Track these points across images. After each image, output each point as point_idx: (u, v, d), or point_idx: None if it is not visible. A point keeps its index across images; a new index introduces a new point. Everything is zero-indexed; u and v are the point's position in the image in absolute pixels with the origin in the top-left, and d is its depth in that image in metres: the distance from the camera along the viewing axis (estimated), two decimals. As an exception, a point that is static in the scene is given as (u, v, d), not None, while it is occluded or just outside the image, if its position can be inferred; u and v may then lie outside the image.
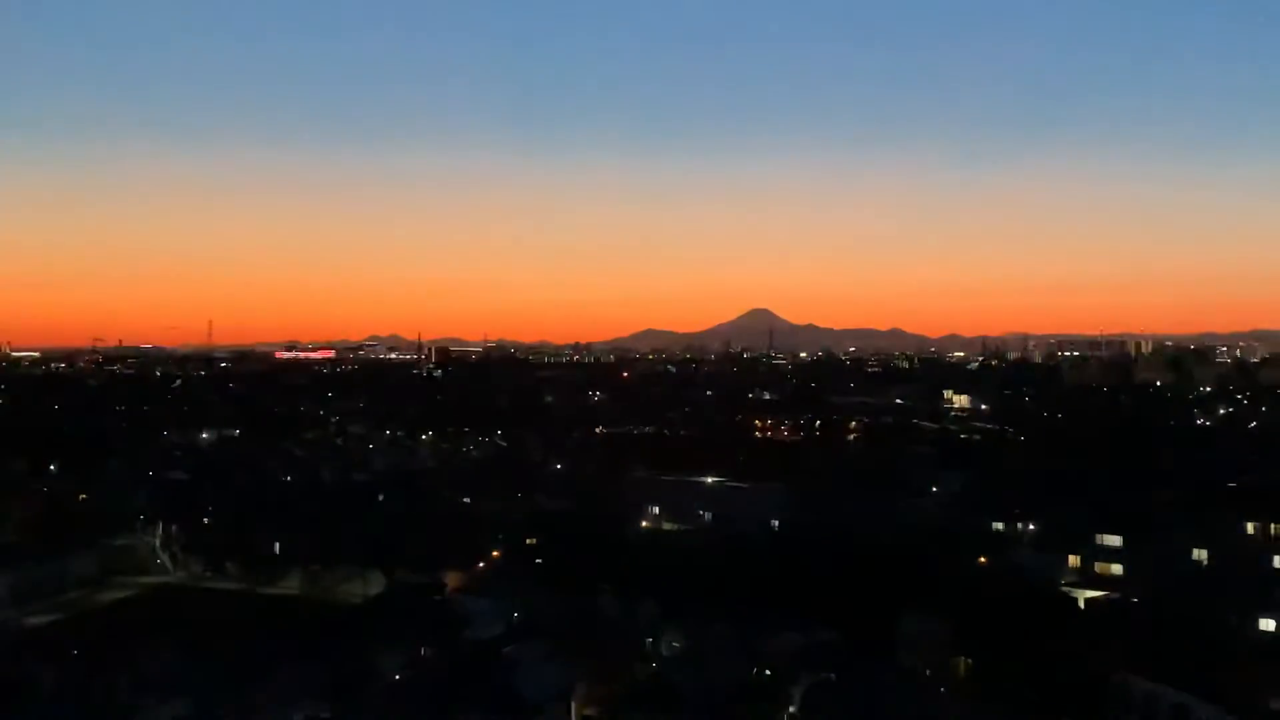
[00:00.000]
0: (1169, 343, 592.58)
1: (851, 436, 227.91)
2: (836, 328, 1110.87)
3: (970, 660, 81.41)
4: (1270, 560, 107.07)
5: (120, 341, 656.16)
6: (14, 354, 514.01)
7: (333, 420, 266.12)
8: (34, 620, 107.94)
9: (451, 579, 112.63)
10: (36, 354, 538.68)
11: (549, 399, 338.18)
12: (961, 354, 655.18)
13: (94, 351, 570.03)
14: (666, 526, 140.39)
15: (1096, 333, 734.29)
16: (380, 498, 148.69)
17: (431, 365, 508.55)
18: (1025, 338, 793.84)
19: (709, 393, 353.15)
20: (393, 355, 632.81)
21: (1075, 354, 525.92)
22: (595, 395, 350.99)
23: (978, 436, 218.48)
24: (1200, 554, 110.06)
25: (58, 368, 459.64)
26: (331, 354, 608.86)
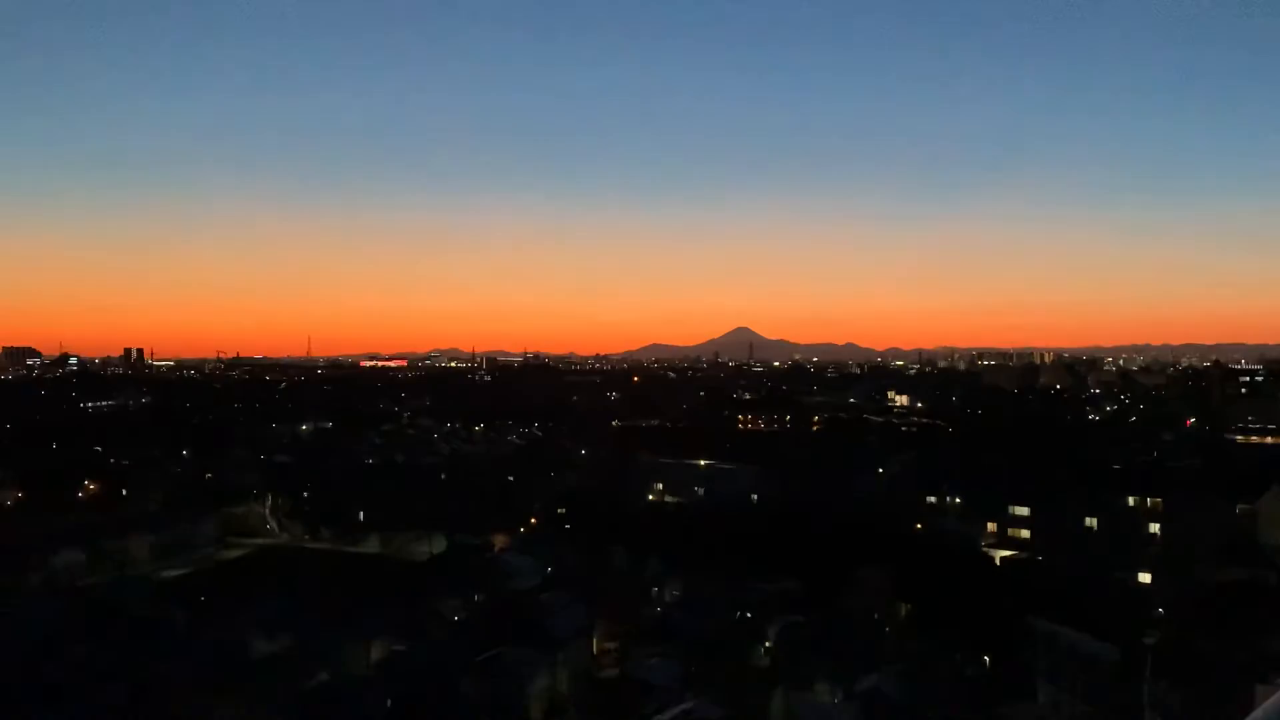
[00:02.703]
0: (1066, 354, 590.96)
1: (814, 428, 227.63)
2: (803, 342, 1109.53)
3: (909, 606, 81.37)
4: (1145, 527, 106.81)
5: (238, 353, 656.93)
6: (154, 363, 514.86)
7: (405, 415, 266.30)
8: (170, 573, 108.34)
9: (498, 540, 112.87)
10: (171, 363, 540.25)
11: (575, 398, 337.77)
12: (901, 363, 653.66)
13: (218, 361, 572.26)
14: (668, 499, 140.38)
15: (1009, 346, 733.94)
16: (442, 476, 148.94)
17: (482, 372, 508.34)
18: (952, 350, 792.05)
19: (701, 394, 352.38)
20: (452, 364, 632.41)
21: (992, 363, 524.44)
22: (612, 396, 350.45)
23: (915, 429, 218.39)
24: (1091, 522, 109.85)
25: (189, 374, 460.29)
26: (404, 363, 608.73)
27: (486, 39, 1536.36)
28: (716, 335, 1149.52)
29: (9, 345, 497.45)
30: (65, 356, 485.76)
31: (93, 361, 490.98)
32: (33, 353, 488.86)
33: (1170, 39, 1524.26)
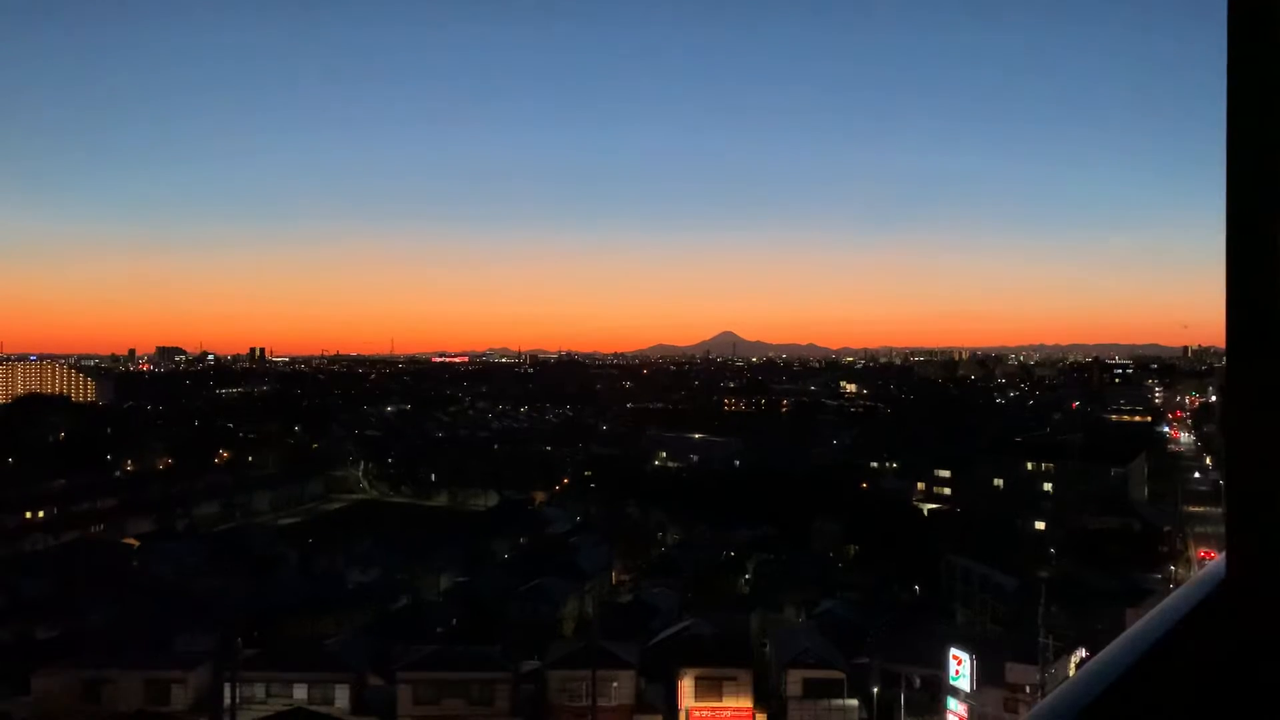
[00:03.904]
0: (979, 351, 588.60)
1: (783, 410, 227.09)
2: (775, 342, 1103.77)
3: (856, 547, 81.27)
4: (1040, 485, 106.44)
5: (338, 351, 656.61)
6: (273, 359, 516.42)
7: (466, 399, 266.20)
8: (285, 521, 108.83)
9: (538, 496, 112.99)
10: (286, 359, 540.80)
11: (598, 386, 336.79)
12: (851, 359, 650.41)
13: (322, 357, 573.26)
14: (670, 465, 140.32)
15: (935, 345, 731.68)
16: (495, 446, 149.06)
17: (527, 366, 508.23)
18: (891, 348, 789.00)
19: (696, 383, 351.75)
20: (503, 359, 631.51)
21: (921, 358, 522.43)
22: (626, 384, 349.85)
23: (861, 410, 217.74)
24: (998, 481, 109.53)
25: (300, 367, 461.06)
26: (466, 359, 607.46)
27: (522, 108, 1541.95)
28: (707, 337, 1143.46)
29: (161, 345, 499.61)
30: (204, 354, 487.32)
31: (225, 358, 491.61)
32: (179, 351, 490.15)
33: (1055, 109, 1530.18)
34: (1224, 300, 1.38)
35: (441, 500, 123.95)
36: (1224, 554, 1.48)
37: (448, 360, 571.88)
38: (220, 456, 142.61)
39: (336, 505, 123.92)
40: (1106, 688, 1.27)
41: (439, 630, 58.09)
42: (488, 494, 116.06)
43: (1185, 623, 1.40)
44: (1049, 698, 1.33)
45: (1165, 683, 1.32)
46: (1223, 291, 1.38)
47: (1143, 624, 1.42)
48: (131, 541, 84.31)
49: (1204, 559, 77.39)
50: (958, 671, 44.38)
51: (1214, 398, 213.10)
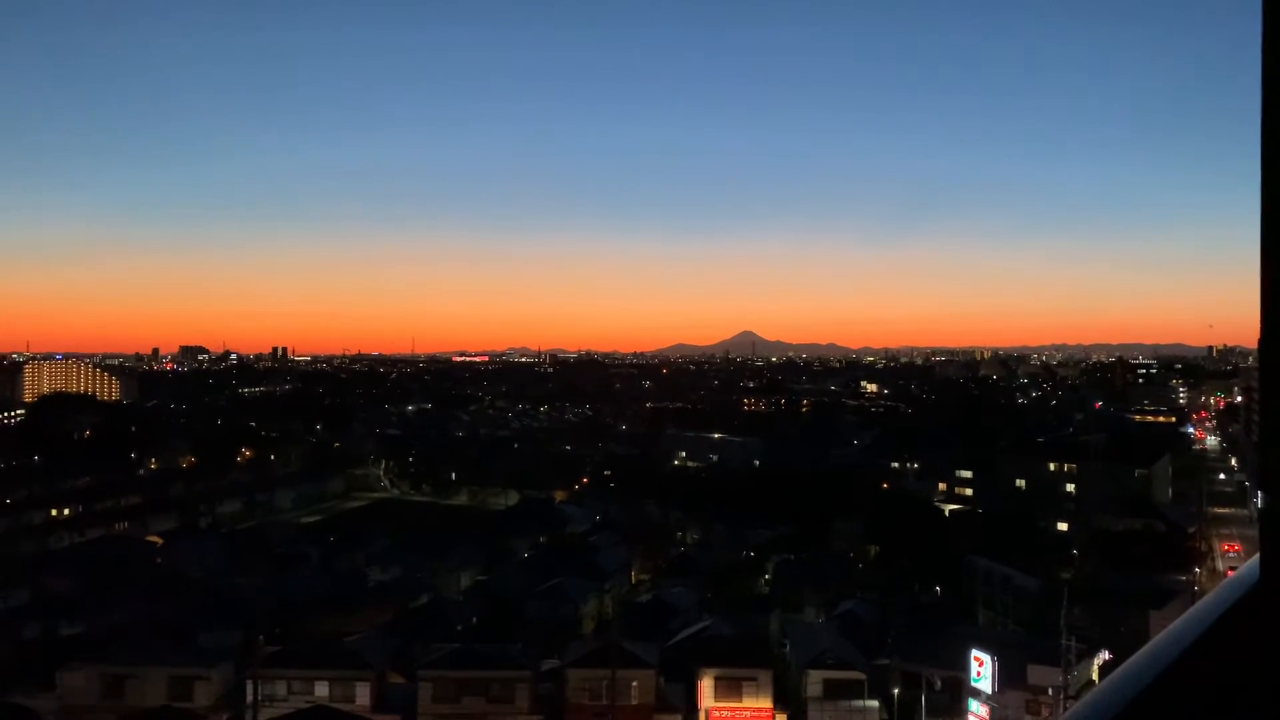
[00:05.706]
0: (1001, 351, 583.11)
1: (803, 409, 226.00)
2: (795, 342, 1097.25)
3: (877, 548, 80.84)
4: (1063, 486, 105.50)
5: (359, 350, 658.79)
6: (295, 358, 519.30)
7: (486, 399, 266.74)
8: (306, 519, 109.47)
9: (558, 494, 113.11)
10: (308, 358, 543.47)
11: (617, 386, 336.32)
12: (872, 359, 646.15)
13: (344, 356, 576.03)
14: (689, 464, 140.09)
15: (956, 344, 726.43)
16: (515, 445, 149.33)
17: (546, 365, 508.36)
18: (912, 348, 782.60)
19: (715, 382, 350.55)
20: (523, 359, 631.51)
21: (943, 358, 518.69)
22: (646, 384, 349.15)
23: (881, 410, 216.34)
24: (1020, 482, 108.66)
25: (321, 367, 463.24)
26: (486, 358, 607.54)
27: (543, 110, 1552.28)
28: (727, 336, 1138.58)
29: (184, 344, 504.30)
30: (227, 353, 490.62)
31: (248, 357, 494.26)
32: (202, 350, 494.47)
33: (1079, 108, 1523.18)
34: (1251, 300, 1.31)
35: (462, 499, 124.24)
36: (1256, 557, 1.45)
37: (468, 359, 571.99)
38: (243, 455, 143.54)
39: (357, 503, 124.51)
40: (1139, 693, 1.25)
41: (459, 628, 58.29)
42: (508, 493, 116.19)
43: (1218, 627, 1.36)
44: (1080, 704, 1.30)
45: (1198, 688, 1.29)
46: (1249, 291, 1.31)
47: (1175, 628, 1.39)
48: (155, 539, 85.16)
49: (1227, 551, 76.89)
50: (979, 673, 44.04)
51: (1239, 398, 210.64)
